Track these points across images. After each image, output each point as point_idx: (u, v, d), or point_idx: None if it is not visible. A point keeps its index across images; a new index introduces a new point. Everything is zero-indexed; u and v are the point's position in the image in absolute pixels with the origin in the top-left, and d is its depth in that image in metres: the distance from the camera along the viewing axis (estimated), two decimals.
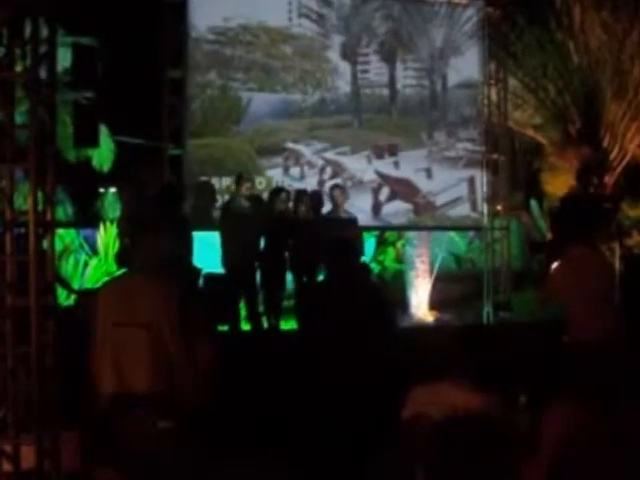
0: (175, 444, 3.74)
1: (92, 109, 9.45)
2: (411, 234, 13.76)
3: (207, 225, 10.66)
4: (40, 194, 5.75)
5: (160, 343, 3.80)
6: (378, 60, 12.54)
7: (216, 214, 10.99)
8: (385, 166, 12.41)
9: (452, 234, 15.11)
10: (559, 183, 13.42)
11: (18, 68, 5.90)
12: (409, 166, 12.48)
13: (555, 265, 5.65)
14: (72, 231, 13.35)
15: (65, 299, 10.10)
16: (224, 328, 9.58)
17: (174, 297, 3.87)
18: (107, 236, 12.76)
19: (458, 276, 14.56)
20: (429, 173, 12.57)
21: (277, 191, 10.49)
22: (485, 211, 12.84)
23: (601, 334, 5.15)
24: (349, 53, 12.40)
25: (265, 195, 11.03)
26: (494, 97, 12.96)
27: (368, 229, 12.86)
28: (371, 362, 4.75)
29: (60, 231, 11.53)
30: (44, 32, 5.97)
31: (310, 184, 11.65)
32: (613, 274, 6.44)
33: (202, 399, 3.87)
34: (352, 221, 10.54)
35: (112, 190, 14.77)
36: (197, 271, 9.41)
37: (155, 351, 3.80)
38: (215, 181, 11.51)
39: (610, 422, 3.27)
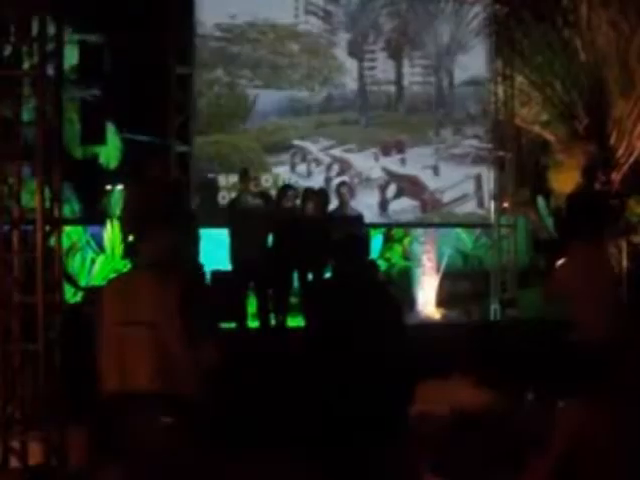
0: (178, 440, 3.75)
1: (99, 106, 9.50)
2: (418, 231, 13.76)
3: (213, 222, 10.65)
4: (47, 191, 5.76)
5: (163, 341, 3.80)
6: (385, 57, 12.54)
7: (220, 211, 11.00)
8: (392, 163, 12.41)
9: (459, 231, 15.07)
10: (566, 180, 13.38)
11: (25, 66, 5.91)
12: (416, 163, 12.48)
13: (560, 262, 5.63)
14: (79, 228, 13.37)
15: (72, 296, 10.13)
16: (231, 325, 9.59)
17: (177, 295, 3.86)
18: (114, 233, 12.77)
19: (465, 273, 14.54)
20: (436, 170, 12.56)
21: (285, 188, 10.47)
22: (492, 208, 12.83)
23: (607, 331, 5.13)
24: (356, 50, 12.40)
25: (272, 192, 11.03)
26: (501, 94, 12.94)
27: (375, 226, 12.85)
28: (378, 359, 4.74)
29: (67, 228, 11.53)
30: (51, 30, 5.98)
31: (317, 181, 11.66)
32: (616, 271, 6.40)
33: (205, 397, 3.88)
34: (358, 218, 10.53)
35: (119, 187, 14.77)
36: (201, 267, 9.40)
37: (158, 349, 3.79)
38: (222, 178, 11.54)
39: (619, 421, 3.27)
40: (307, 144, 12.06)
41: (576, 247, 5.50)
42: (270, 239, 10.02)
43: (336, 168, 12.11)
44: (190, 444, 3.81)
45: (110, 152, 13.67)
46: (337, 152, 12.15)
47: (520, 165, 13.56)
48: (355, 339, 4.68)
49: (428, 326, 11.92)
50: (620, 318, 5.53)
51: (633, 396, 3.33)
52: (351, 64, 12.36)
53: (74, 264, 12.58)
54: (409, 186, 12.42)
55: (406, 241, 14.84)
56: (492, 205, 12.82)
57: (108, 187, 14.89)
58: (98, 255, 13.03)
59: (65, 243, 8.88)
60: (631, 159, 13.71)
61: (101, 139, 10.14)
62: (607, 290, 5.56)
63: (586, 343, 5.11)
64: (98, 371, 4.01)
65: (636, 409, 3.28)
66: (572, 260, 5.52)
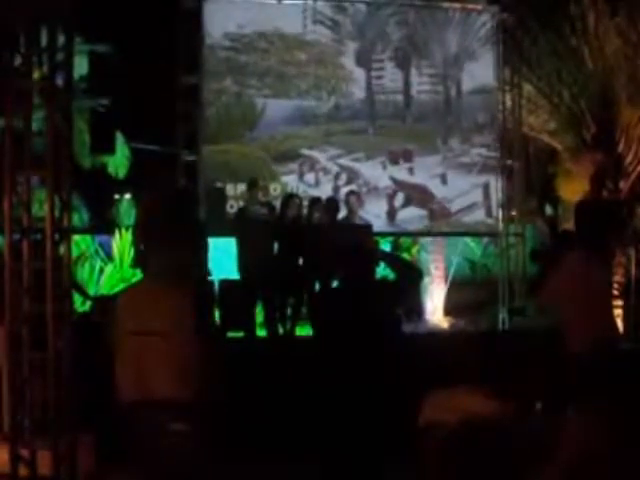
0: (191, 447, 3.76)
1: (108, 116, 9.53)
2: (426, 240, 13.75)
3: (221, 231, 10.64)
4: (57, 201, 5.78)
5: (179, 350, 3.81)
6: (393, 66, 12.56)
7: (228, 220, 11.00)
8: (400, 172, 12.42)
9: (467, 240, 15.06)
10: (574, 188, 13.37)
11: (35, 76, 5.94)
12: (424, 172, 12.49)
13: (553, 271, 5.53)
14: (88, 237, 13.40)
15: (81, 305, 10.14)
16: (240, 334, 9.60)
17: (192, 304, 3.88)
18: (122, 242, 12.80)
19: (473, 282, 14.52)
20: (444, 179, 12.57)
21: (289, 197, 10.48)
22: (500, 217, 12.83)
23: (599, 341, 5.05)
24: (363, 59, 12.42)
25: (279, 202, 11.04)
26: (508, 103, 12.94)
27: (383, 235, 12.85)
28: (386, 368, 4.75)
29: (76, 237, 11.57)
30: (61, 40, 6.02)
31: (325, 190, 11.68)
32: (610, 279, 6.26)
33: (217, 403, 3.89)
34: (366, 227, 10.53)
35: (127, 196, 14.82)
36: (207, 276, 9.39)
37: (174, 358, 3.81)
38: (230, 187, 11.56)
39: (622, 430, 3.27)
40: (315, 153, 12.09)
41: (567, 255, 5.39)
42: (277, 248, 10.02)
43: (344, 177, 12.13)
44: (203, 449, 3.82)
45: (119, 161, 13.70)
46: (345, 161, 12.17)
47: (528, 174, 13.56)
48: (365, 347, 4.68)
49: (436, 335, 11.89)
50: (611, 327, 5.43)
51: (626, 405, 3.33)
52: (359, 73, 12.38)
53: (83, 273, 12.60)
54: (417, 195, 12.43)
55: (414, 250, 14.82)
56: (500, 214, 12.82)
57: (117, 196, 14.94)
58: (107, 264, 13.05)
59: (74, 252, 8.91)
60: (639, 167, 13.70)
61: (110, 148, 10.18)
62: (597, 298, 5.42)
63: (580, 355, 5.03)
64: (114, 380, 4.01)
65: (631, 417, 3.29)
66: (562, 269, 5.41)
